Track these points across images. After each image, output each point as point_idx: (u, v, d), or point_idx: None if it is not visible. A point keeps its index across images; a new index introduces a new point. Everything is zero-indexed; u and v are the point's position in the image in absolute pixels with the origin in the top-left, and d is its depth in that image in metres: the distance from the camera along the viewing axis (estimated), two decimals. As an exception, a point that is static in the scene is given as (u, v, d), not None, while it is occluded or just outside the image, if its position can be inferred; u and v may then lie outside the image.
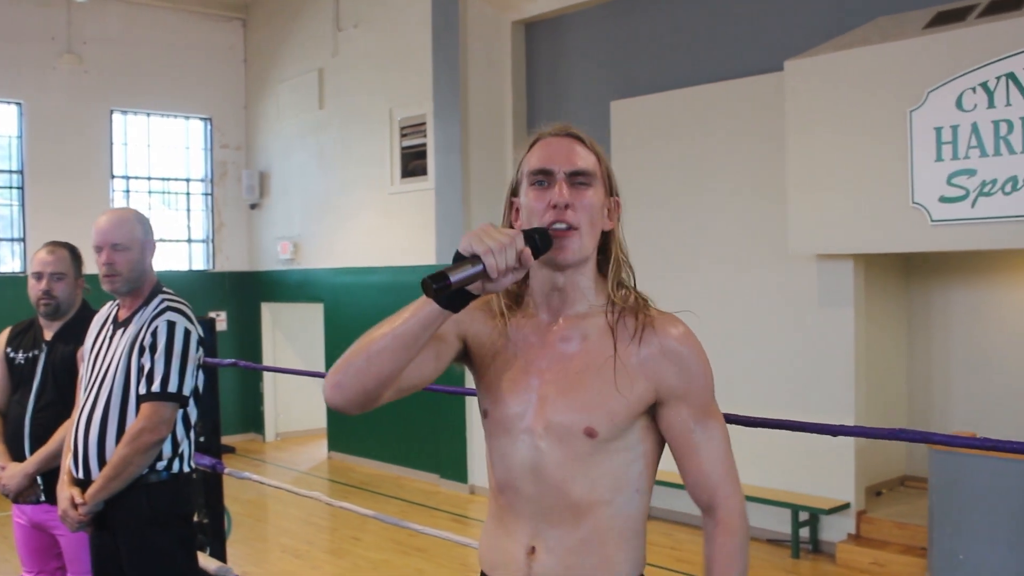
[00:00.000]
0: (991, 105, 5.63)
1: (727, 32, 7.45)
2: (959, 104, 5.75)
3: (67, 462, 3.35)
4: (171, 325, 3.30)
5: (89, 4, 10.63)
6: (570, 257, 1.79)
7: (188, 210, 12.00)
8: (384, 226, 10.04)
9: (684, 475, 1.85)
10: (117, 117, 11.33)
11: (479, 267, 1.62)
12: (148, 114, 11.58)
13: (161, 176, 11.77)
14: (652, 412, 1.82)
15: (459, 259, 1.64)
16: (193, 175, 12.02)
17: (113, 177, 11.28)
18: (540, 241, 1.72)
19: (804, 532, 6.88)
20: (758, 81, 7.07)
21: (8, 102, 10.57)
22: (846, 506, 6.71)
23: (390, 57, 9.92)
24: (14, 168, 10.64)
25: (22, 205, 10.66)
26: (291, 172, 11.46)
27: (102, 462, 3.23)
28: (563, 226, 1.78)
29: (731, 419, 4.09)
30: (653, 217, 7.70)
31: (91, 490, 3.21)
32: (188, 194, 12.00)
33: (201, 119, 11.99)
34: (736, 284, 7.27)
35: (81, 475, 3.27)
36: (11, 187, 10.65)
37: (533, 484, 1.82)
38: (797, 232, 6.59)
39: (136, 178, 11.53)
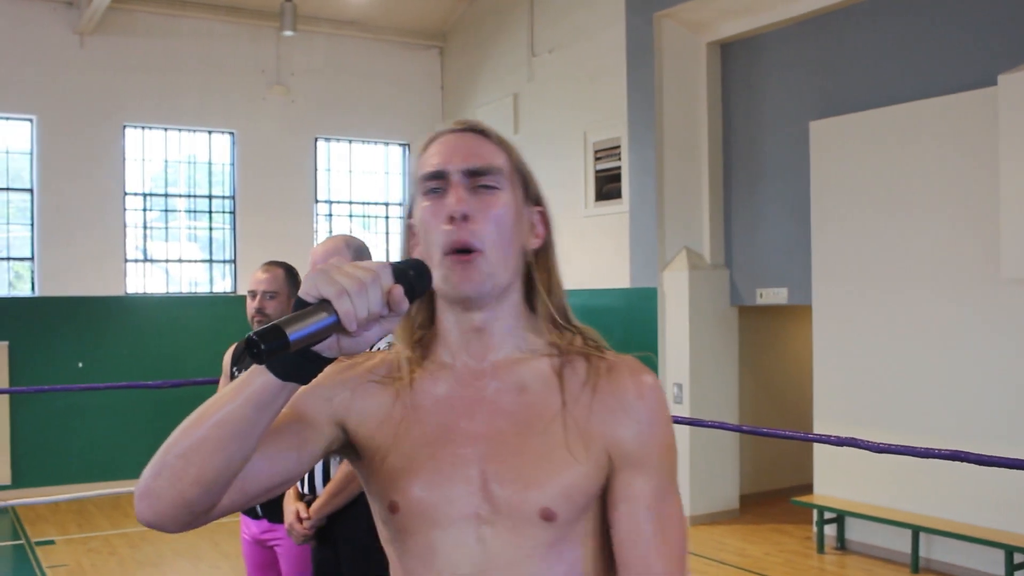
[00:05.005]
0: None
1: (934, 46, 7.15)
2: None
3: None
4: (389, 347, 3.39)
5: (296, 37, 11.12)
6: (473, 288, 1.33)
7: (387, 233, 12.35)
8: (578, 249, 10.06)
9: (623, 570, 1.34)
10: (321, 144, 11.80)
11: (331, 318, 1.13)
12: (350, 141, 12.00)
13: (361, 200, 12.17)
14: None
15: (302, 306, 1.15)
16: (392, 199, 12.38)
17: (317, 202, 11.73)
18: (415, 277, 1.23)
19: (1020, 575, 6.48)
20: (968, 97, 6.75)
21: (223, 132, 11.16)
22: (1067, 548, 6.29)
23: (584, 81, 9.96)
24: (227, 194, 11.23)
25: (233, 228, 11.23)
26: (486, 196, 11.62)
27: (326, 478, 3.37)
28: (463, 247, 1.33)
29: (960, 457, 3.93)
30: (855, 239, 7.46)
31: (315, 505, 3.36)
32: (387, 217, 12.36)
33: (400, 144, 12.34)
34: (945, 309, 6.93)
35: (306, 490, 3.45)
36: (224, 212, 11.24)
37: None
38: (1011, 255, 6.24)
39: (338, 202, 11.96)
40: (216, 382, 4.53)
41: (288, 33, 10.84)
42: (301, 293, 1.16)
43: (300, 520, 3.38)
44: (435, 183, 1.36)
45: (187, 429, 1.21)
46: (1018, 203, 6.20)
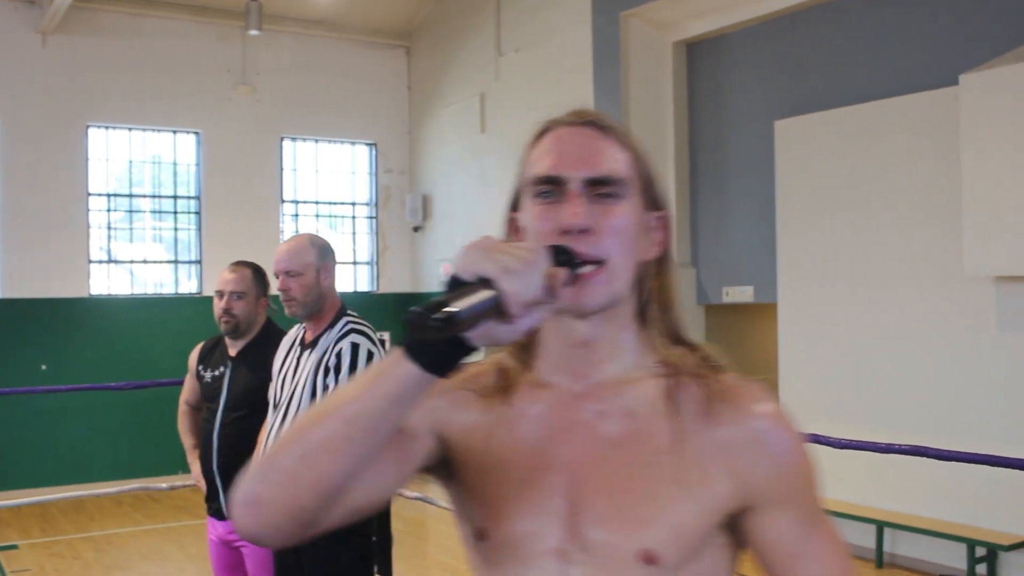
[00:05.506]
0: None
1: (897, 46, 7.21)
2: None
3: None
4: (355, 347, 3.39)
5: (262, 37, 11.06)
6: (591, 302, 1.21)
7: (353, 233, 12.31)
8: (544, 248, 10.07)
9: None
10: (287, 144, 11.75)
11: (491, 298, 1.03)
12: (316, 140, 11.96)
13: (328, 200, 12.13)
14: (729, 525, 1.23)
15: (457, 286, 1.04)
16: (358, 199, 12.34)
17: (283, 202, 11.68)
18: (569, 264, 1.16)
19: (981, 569, 6.54)
20: (931, 96, 6.82)
21: (188, 132, 11.09)
22: (1029, 542, 6.36)
23: (551, 80, 9.97)
24: (192, 194, 11.16)
25: (199, 229, 11.16)
26: (453, 195, 11.64)
27: None
28: (582, 263, 1.20)
29: (921, 452, 3.98)
30: (820, 237, 7.51)
31: None
32: (354, 217, 12.32)
33: (366, 144, 12.31)
34: (908, 306, 7.00)
35: None
36: (189, 212, 11.17)
37: None
38: (973, 253, 6.30)
39: (304, 202, 11.91)
40: (182, 383, 4.50)
41: (254, 32, 10.77)
42: (457, 271, 1.04)
43: None
44: (549, 187, 1.24)
45: (306, 428, 1.11)
46: (980, 201, 6.27)
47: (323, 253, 3.53)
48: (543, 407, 1.27)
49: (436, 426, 1.28)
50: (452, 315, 0.98)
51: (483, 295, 1.02)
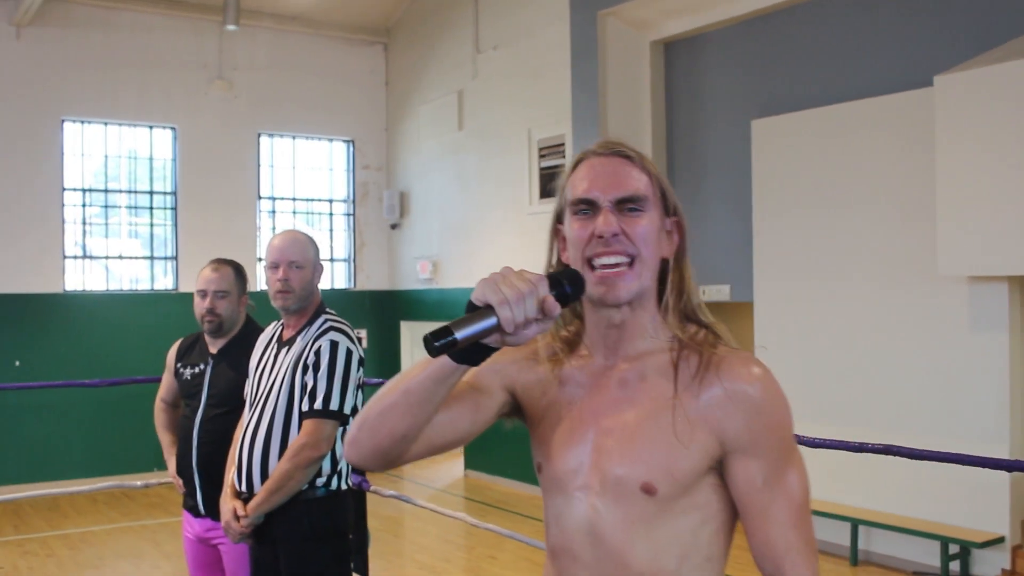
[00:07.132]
0: None
1: (873, 48, 7.26)
2: (1124, 119, 5.47)
3: (231, 475, 3.46)
4: (334, 345, 3.40)
5: (239, 32, 11.01)
6: (623, 295, 1.58)
7: (331, 230, 12.29)
8: (522, 246, 10.08)
9: (749, 540, 1.58)
10: (264, 140, 11.71)
11: (492, 320, 1.38)
12: (293, 137, 11.92)
13: (305, 197, 12.10)
14: (721, 468, 1.58)
15: (472, 309, 1.40)
16: (336, 196, 12.32)
17: (260, 198, 11.64)
18: (570, 286, 1.49)
19: (954, 566, 6.60)
20: (906, 97, 6.86)
21: (164, 127, 11.03)
22: (1000, 540, 6.41)
23: (529, 78, 9.99)
24: (168, 190, 11.10)
25: (175, 225, 11.10)
26: (431, 192, 11.63)
27: (264, 476, 3.34)
28: (612, 260, 1.57)
29: (893, 451, 4.00)
30: (796, 237, 7.55)
31: (253, 503, 3.32)
32: (331, 214, 12.30)
33: (344, 141, 12.28)
34: (883, 305, 7.05)
35: (244, 488, 3.39)
36: (165, 208, 11.11)
37: (590, 549, 1.59)
38: (947, 253, 6.35)
39: (281, 199, 11.88)
40: (158, 380, 4.48)
41: (231, 27, 10.71)
42: (473, 298, 1.40)
43: (238, 518, 3.35)
44: (586, 206, 1.61)
45: (383, 395, 1.56)
46: (954, 201, 6.32)
47: (318, 251, 3.65)
48: (584, 373, 1.68)
49: (507, 383, 1.72)
50: (451, 341, 1.36)
51: (485, 319, 1.38)
